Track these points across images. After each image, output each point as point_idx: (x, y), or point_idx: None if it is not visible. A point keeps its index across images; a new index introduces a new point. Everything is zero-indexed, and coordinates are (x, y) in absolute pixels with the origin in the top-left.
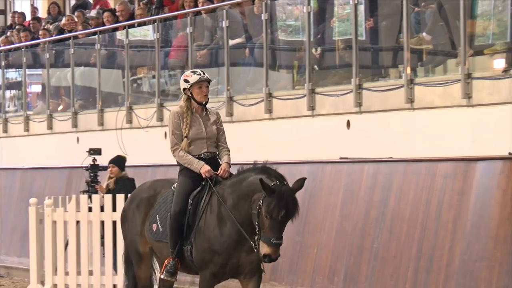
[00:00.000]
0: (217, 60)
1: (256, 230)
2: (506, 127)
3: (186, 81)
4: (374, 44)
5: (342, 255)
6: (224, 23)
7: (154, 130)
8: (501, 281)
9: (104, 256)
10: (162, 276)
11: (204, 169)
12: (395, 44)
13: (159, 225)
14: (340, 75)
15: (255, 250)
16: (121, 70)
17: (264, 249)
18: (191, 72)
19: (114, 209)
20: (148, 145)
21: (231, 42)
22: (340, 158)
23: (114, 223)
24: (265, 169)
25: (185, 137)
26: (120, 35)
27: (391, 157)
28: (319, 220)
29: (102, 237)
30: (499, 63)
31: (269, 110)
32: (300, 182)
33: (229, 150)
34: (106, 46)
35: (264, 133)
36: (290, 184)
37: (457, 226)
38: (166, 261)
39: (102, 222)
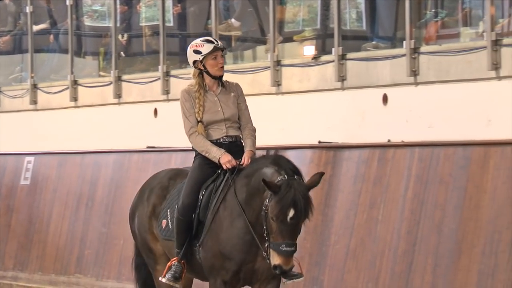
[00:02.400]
0: (21, 46)
1: (265, 235)
2: (316, 115)
3: (197, 52)
4: (182, 31)
5: None
6: (28, 9)
7: None
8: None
9: None
10: (164, 280)
11: (224, 158)
12: (203, 30)
13: (169, 221)
14: (147, 62)
15: (266, 259)
16: None
17: (274, 258)
18: (202, 40)
19: None
20: None
21: (35, 27)
22: (147, 147)
23: None
24: (276, 159)
25: (200, 121)
26: None
27: None
28: (125, 210)
29: None
30: (309, 50)
31: (75, 98)
32: (317, 177)
33: (254, 131)
34: None
35: (69, 122)
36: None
37: None
38: (170, 262)
39: None
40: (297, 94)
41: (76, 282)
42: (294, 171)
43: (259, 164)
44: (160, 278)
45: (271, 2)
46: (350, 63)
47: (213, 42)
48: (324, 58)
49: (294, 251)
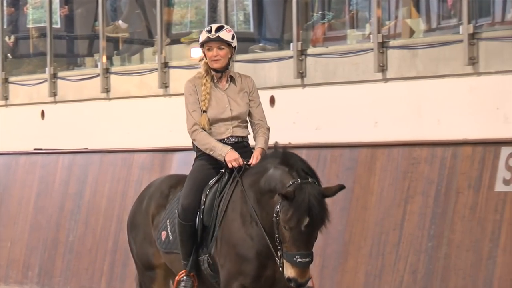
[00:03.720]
0: None
1: (277, 243)
2: None
3: (199, 39)
4: (69, 32)
5: (37, 249)
6: None
7: None
8: None
9: None
10: None
11: (230, 156)
12: (90, 32)
13: (169, 232)
14: (34, 63)
15: (280, 269)
16: None
17: (288, 270)
18: (207, 27)
19: None
20: None
21: None
22: (35, 149)
23: None
24: (286, 158)
25: (204, 111)
26: None
27: (86, 148)
28: (12, 213)
29: None
30: (196, 52)
31: None
32: (335, 188)
33: (268, 130)
34: None
35: None
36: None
37: None
38: (178, 276)
39: None
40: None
41: None
42: (307, 172)
43: (267, 163)
44: None
45: (158, 4)
46: (238, 65)
47: (210, 31)
48: None
49: (310, 262)
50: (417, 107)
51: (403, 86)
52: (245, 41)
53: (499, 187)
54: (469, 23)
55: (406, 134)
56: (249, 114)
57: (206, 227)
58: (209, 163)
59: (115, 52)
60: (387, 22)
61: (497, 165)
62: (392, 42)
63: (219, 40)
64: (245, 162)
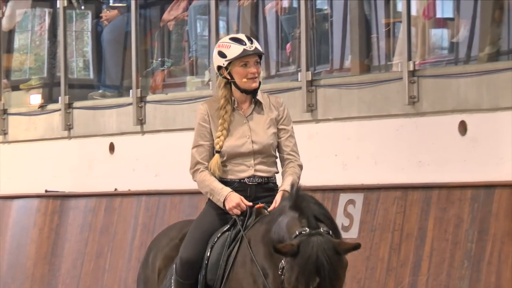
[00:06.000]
0: None
1: None
2: (43, 164)
3: (222, 55)
4: None
5: None
6: None
7: None
8: None
9: None
10: None
11: (229, 202)
12: None
13: None
14: None
15: None
16: None
17: None
18: (231, 39)
19: None
20: None
21: None
22: None
23: None
24: (298, 201)
25: (217, 152)
26: None
27: None
28: None
29: None
30: (36, 98)
31: None
32: (354, 245)
33: (301, 167)
34: None
35: None
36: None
37: None
38: None
39: None
40: (24, 143)
41: None
42: (318, 218)
43: (280, 207)
44: None
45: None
46: (77, 111)
47: (243, 43)
48: (51, 106)
49: None
50: None
51: None
52: (85, 87)
53: None
54: (307, 70)
55: None
56: (278, 147)
57: (209, 287)
58: (218, 207)
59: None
60: None
61: (335, 211)
62: None
63: (257, 53)
64: (251, 206)
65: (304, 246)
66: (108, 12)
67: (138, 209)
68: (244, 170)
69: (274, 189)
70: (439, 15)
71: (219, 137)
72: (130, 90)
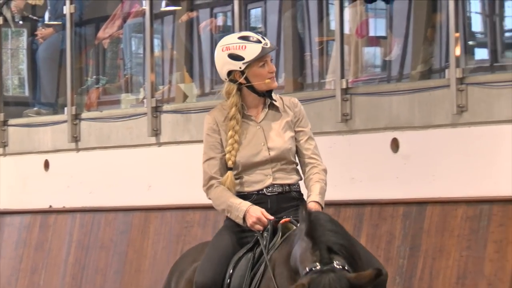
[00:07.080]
0: None
1: None
2: None
3: (236, 58)
4: None
5: None
6: None
7: None
8: None
9: None
10: None
11: (250, 217)
12: None
13: None
14: None
15: None
16: None
17: None
18: (240, 38)
19: None
20: None
21: None
22: None
23: None
24: (312, 226)
25: (229, 169)
26: None
27: None
28: None
29: None
30: None
31: None
32: (371, 275)
33: (325, 171)
34: None
35: None
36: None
37: None
38: None
39: None
40: None
41: None
42: (333, 249)
43: (300, 228)
44: None
45: None
46: (12, 129)
47: (258, 41)
48: None
49: None
50: (190, 171)
51: (176, 150)
52: (20, 105)
53: None
54: None
55: (179, 198)
56: (297, 151)
57: None
58: (235, 224)
59: None
60: (160, 87)
61: None
62: (166, 107)
63: (275, 48)
64: (273, 220)
65: (314, 286)
66: (43, 30)
67: (73, 225)
68: (262, 180)
69: (298, 198)
70: (372, 33)
71: (230, 152)
72: (65, 108)
